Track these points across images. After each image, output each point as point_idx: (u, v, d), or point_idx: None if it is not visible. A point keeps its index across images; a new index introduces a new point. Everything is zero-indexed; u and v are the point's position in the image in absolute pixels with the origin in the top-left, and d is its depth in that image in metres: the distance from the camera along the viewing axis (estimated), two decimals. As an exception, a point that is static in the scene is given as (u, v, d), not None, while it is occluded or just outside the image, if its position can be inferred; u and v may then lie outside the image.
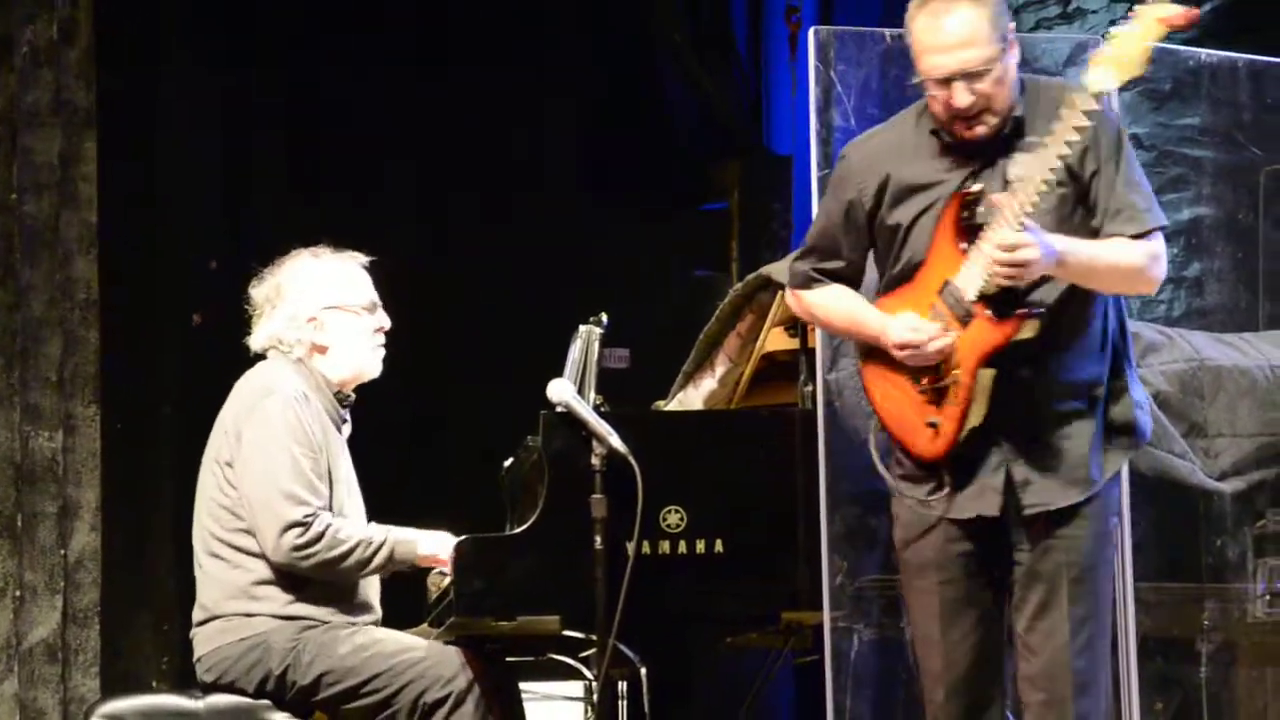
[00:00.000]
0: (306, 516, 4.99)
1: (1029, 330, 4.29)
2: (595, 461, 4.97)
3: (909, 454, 4.46)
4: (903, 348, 4.37)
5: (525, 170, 8.26)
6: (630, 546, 4.96)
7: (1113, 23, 7.90)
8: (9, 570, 7.07)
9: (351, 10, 7.97)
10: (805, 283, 4.63)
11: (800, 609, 5.17)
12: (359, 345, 5.24)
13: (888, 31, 5.13)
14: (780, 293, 5.39)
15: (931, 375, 4.37)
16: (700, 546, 5.11)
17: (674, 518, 5.11)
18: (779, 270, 5.41)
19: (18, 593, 7.08)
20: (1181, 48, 6.78)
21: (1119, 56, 4.09)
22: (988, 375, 4.31)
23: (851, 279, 4.58)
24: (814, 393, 5.21)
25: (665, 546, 5.09)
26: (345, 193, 7.91)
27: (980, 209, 4.28)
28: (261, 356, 5.27)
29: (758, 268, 5.61)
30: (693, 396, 5.76)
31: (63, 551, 7.12)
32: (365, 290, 5.29)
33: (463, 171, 8.12)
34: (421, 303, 7.70)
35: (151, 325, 7.49)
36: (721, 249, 8.52)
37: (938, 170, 4.41)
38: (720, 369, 5.70)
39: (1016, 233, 4.19)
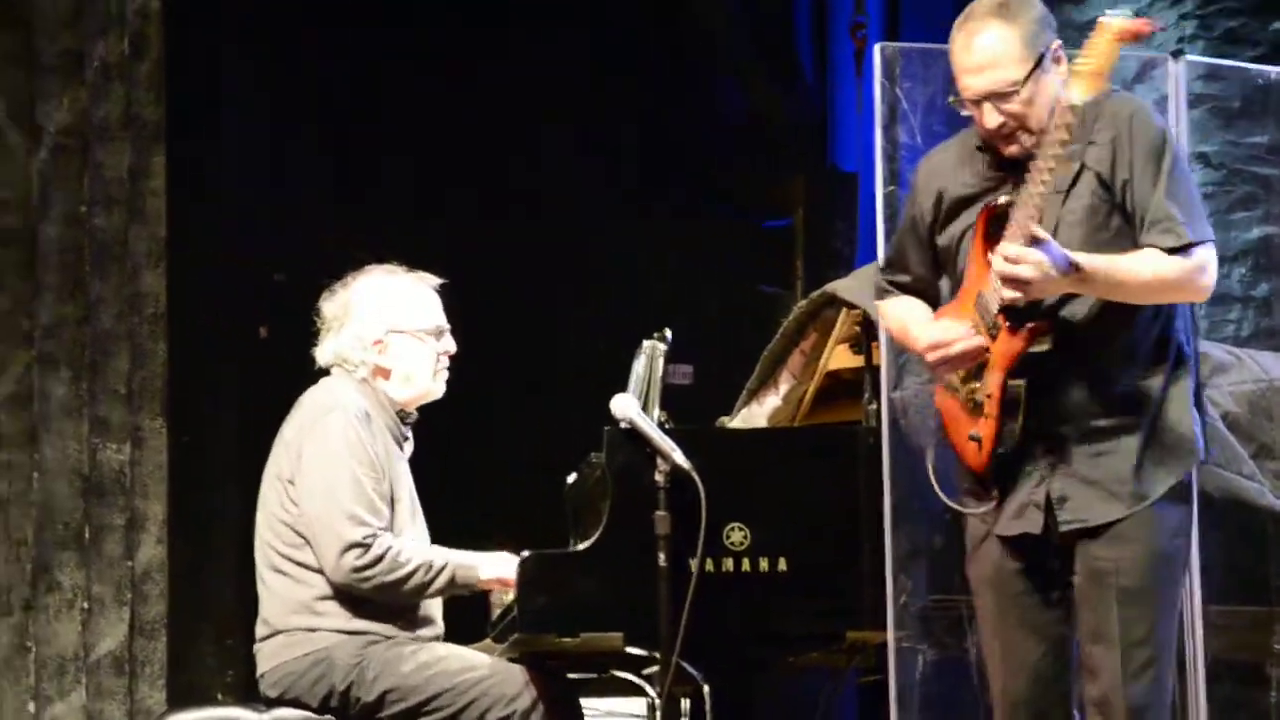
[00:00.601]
0: (367, 538, 4.99)
1: (1042, 343, 4.27)
2: (659, 478, 4.96)
3: (965, 469, 4.45)
4: (931, 348, 4.37)
5: (591, 186, 8.26)
6: (694, 564, 4.95)
7: (1180, 39, 7.93)
8: (77, 582, 7.11)
9: (411, 26, 7.99)
10: (879, 294, 4.65)
11: (864, 628, 5.15)
12: (422, 370, 5.23)
13: (954, 49, 5.10)
14: (845, 310, 5.38)
15: (970, 388, 4.35)
16: (764, 564, 5.10)
17: (737, 535, 5.10)
18: (843, 287, 5.40)
19: (85, 604, 7.12)
20: (1251, 65, 6.75)
21: (1087, 69, 4.08)
22: (1015, 388, 4.29)
23: (922, 293, 4.57)
24: (878, 410, 5.19)
25: (729, 564, 5.09)
26: (411, 206, 7.94)
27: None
28: (326, 371, 5.28)
29: (822, 285, 5.61)
30: (757, 413, 5.75)
31: (129, 563, 7.16)
32: (433, 314, 5.28)
33: (530, 187, 8.13)
34: (487, 318, 7.71)
35: (218, 338, 7.53)
36: (786, 266, 8.51)
37: (983, 184, 4.42)
38: (784, 386, 5.69)
39: (1018, 246, 4.16)
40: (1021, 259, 4.16)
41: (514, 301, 7.95)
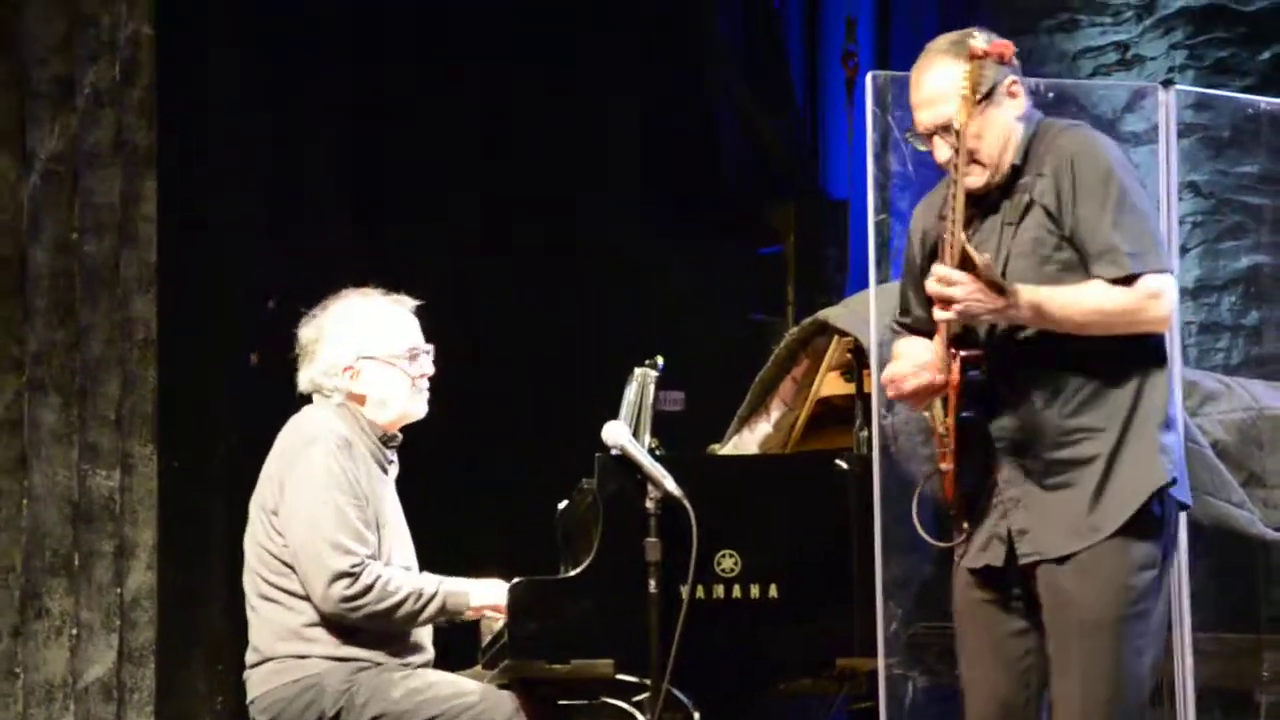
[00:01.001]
0: (354, 566, 4.98)
1: (978, 372, 4.27)
2: (650, 505, 4.96)
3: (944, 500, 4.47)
4: (888, 384, 4.43)
5: (581, 214, 8.28)
6: (684, 590, 4.95)
7: (1170, 69, 7.96)
8: (66, 608, 7.10)
9: (406, 48, 8.01)
10: (891, 336, 4.66)
11: (854, 655, 5.15)
12: (396, 394, 5.20)
13: (945, 77, 5.11)
14: (836, 337, 5.39)
15: (939, 422, 4.37)
16: (754, 591, 5.10)
17: (728, 562, 5.10)
18: (835, 315, 5.41)
19: (74, 631, 7.10)
20: (1241, 95, 6.77)
21: (960, 92, 4.13)
22: (967, 420, 4.30)
23: (925, 333, 4.56)
24: (869, 438, 5.19)
25: (719, 591, 5.08)
26: (401, 234, 7.95)
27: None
28: (309, 398, 5.28)
29: (814, 312, 5.62)
30: (748, 440, 5.75)
31: (119, 590, 7.15)
32: (406, 338, 5.23)
33: (518, 216, 8.14)
34: (477, 344, 7.73)
35: (209, 365, 7.53)
36: (777, 293, 8.53)
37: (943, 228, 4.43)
38: (775, 413, 5.69)
39: (948, 268, 4.19)
40: (951, 280, 4.17)
41: (506, 328, 7.95)
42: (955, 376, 4.28)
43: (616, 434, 5.06)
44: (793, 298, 8.47)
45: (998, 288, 4.20)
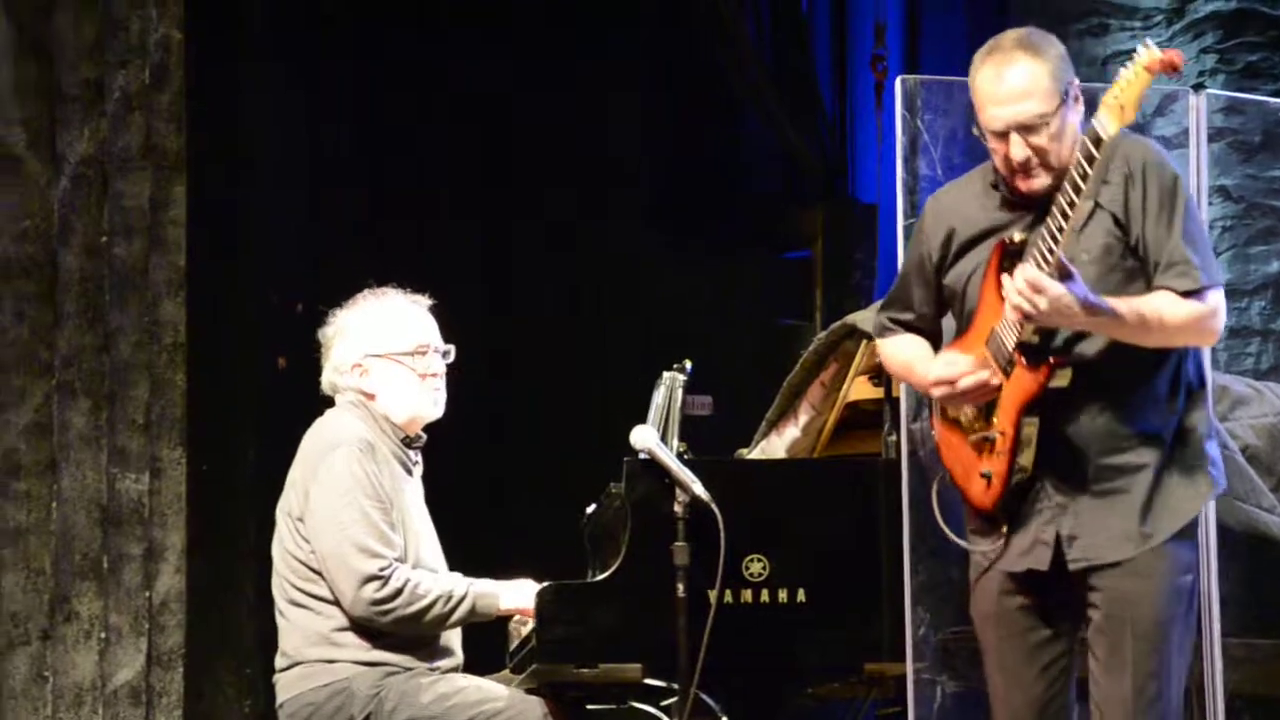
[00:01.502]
0: (383, 569, 4.98)
1: (1061, 379, 4.25)
2: (678, 509, 4.96)
3: (971, 505, 4.44)
4: (938, 384, 4.37)
5: (611, 217, 8.28)
6: (713, 595, 4.95)
7: (1201, 74, 7.94)
8: (94, 612, 7.11)
9: (429, 62, 8.02)
10: (880, 331, 4.64)
11: (883, 660, 5.15)
12: (406, 391, 5.20)
13: (975, 81, 5.11)
14: (865, 341, 5.38)
15: (981, 424, 4.35)
16: (783, 596, 5.10)
17: (756, 566, 5.10)
18: (863, 319, 5.40)
19: (103, 634, 7.11)
20: (1271, 100, 6.76)
21: (1118, 101, 4.08)
22: (1030, 425, 4.28)
23: (924, 331, 4.57)
24: (898, 442, 5.19)
25: (748, 595, 5.08)
26: (431, 238, 7.96)
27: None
28: (332, 400, 5.29)
29: (842, 316, 5.61)
30: (776, 445, 5.75)
31: (147, 594, 7.16)
32: (414, 334, 5.24)
33: (547, 219, 8.15)
34: (505, 348, 7.73)
35: (238, 369, 7.53)
36: (806, 297, 8.52)
37: (994, 222, 4.41)
38: (804, 417, 5.69)
39: (1042, 276, 4.15)
40: (1042, 288, 4.15)
41: (534, 331, 7.95)
42: (1038, 381, 4.24)
43: (644, 438, 5.06)
44: (821, 302, 8.46)
45: (1088, 305, 4.18)
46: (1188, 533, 4.35)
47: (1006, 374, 4.29)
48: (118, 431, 7.19)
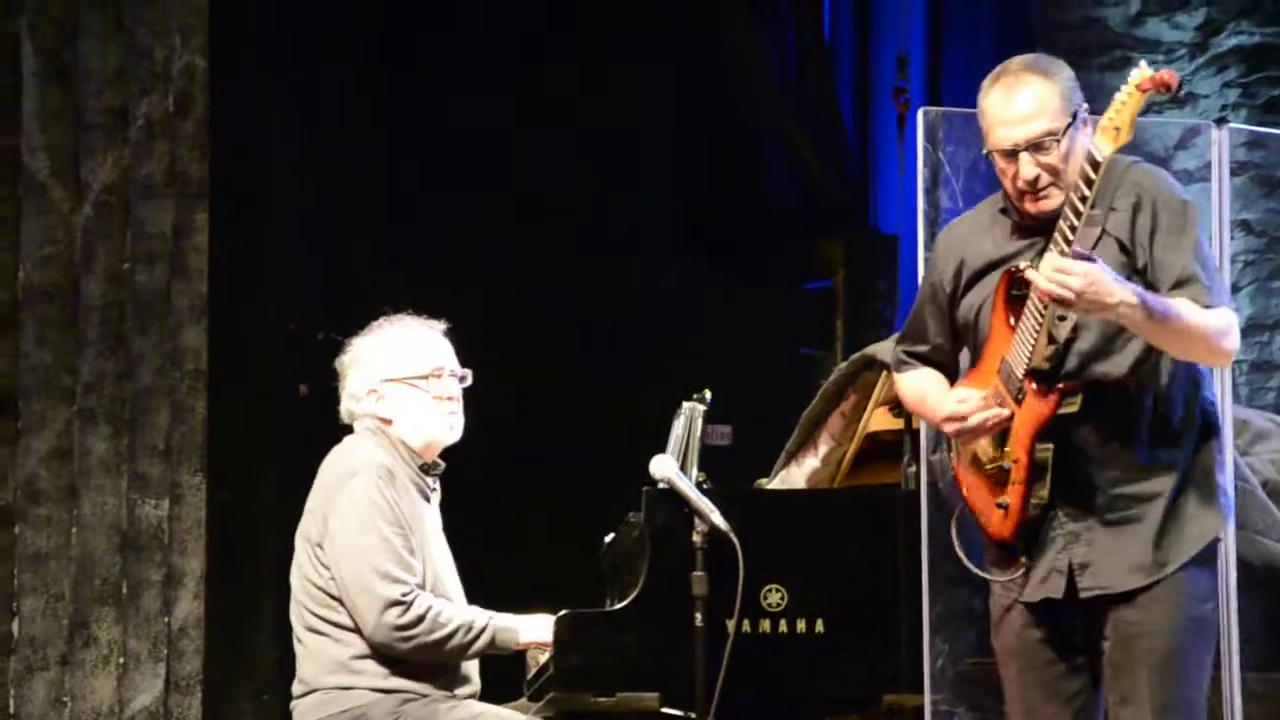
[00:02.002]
0: (405, 595, 4.98)
1: (1071, 405, 4.25)
2: (697, 538, 4.96)
3: (990, 537, 4.44)
4: (948, 420, 4.37)
5: (629, 245, 8.29)
6: (730, 624, 4.94)
7: (1223, 107, 7.94)
8: (113, 637, 7.12)
9: (448, 85, 8.04)
10: (897, 365, 4.65)
11: (901, 691, 5.13)
12: (421, 415, 5.19)
13: (997, 113, 5.11)
14: (885, 372, 5.38)
15: (997, 454, 4.35)
16: (801, 626, 5.09)
17: (775, 596, 5.09)
18: (883, 350, 5.40)
19: (121, 660, 7.12)
20: (1294, 133, 6.75)
21: (1112, 123, 4.09)
22: (1043, 452, 4.28)
23: (940, 364, 4.56)
24: (917, 473, 5.18)
25: (766, 625, 5.07)
26: (451, 266, 7.97)
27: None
28: (350, 428, 5.30)
29: (862, 347, 5.61)
30: (795, 475, 5.74)
31: (166, 619, 7.17)
32: (429, 358, 5.22)
33: (567, 248, 8.15)
34: (524, 377, 7.74)
35: (258, 396, 7.55)
36: (826, 328, 8.52)
37: (1003, 251, 4.41)
38: (823, 448, 5.68)
39: (1066, 259, 4.13)
40: (1072, 270, 4.12)
41: (556, 362, 7.96)
42: (1049, 407, 4.24)
43: (664, 467, 5.06)
44: (842, 333, 8.46)
45: (1118, 283, 4.15)
46: (1205, 560, 4.34)
47: (1018, 402, 4.29)
48: (138, 457, 7.20)
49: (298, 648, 5.15)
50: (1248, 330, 7.80)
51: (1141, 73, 4.09)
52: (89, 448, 7.19)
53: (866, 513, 5.24)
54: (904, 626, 5.09)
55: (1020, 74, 4.33)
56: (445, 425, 5.20)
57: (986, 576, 4.49)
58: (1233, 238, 6.98)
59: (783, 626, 5.08)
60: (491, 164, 8.12)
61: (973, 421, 4.33)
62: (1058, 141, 4.26)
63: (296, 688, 5.15)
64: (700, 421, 5.31)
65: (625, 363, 8.01)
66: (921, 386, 4.54)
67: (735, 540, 4.93)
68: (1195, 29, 8.16)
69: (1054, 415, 4.25)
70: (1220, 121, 5.44)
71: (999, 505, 4.36)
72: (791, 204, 8.74)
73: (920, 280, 4.76)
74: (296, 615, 5.15)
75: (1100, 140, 4.10)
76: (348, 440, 5.24)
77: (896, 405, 5.41)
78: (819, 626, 5.09)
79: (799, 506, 5.42)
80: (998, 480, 4.35)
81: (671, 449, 5.25)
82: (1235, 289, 7.62)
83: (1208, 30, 8.14)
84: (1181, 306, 4.22)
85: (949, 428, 4.39)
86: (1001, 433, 4.33)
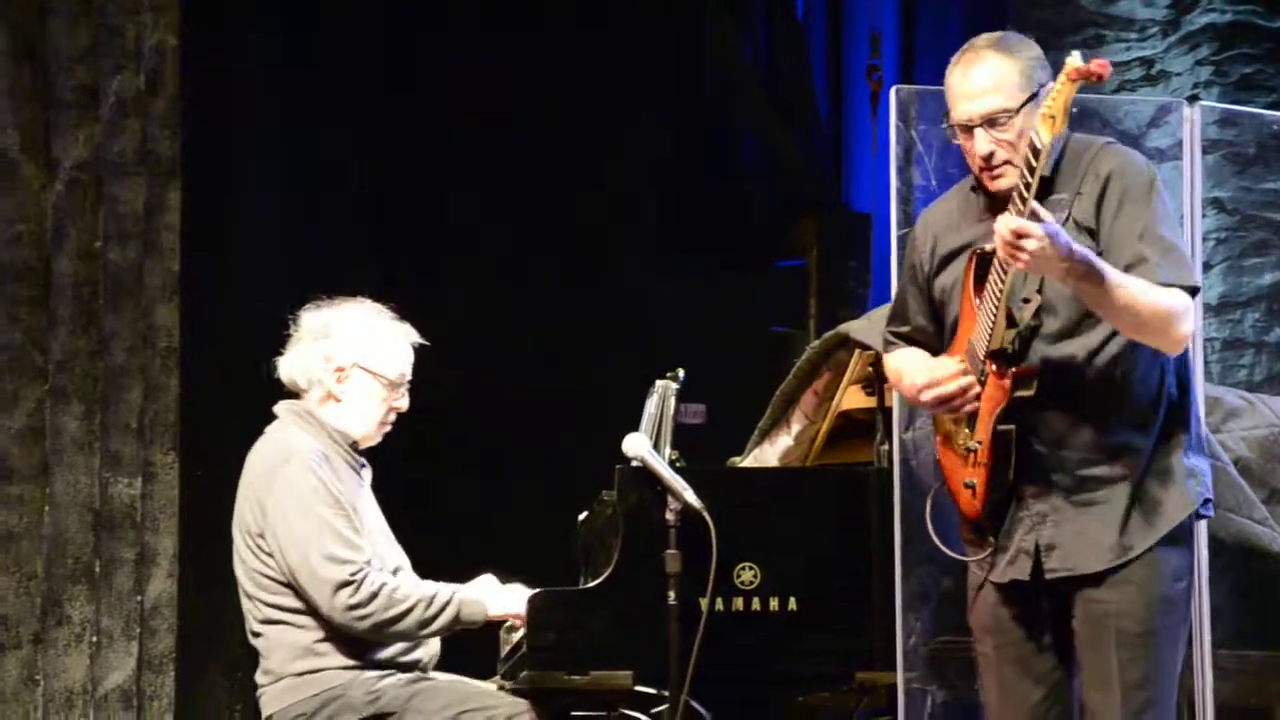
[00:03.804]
0: (354, 574, 4.97)
1: (1026, 388, 4.24)
2: (670, 517, 4.96)
3: (961, 515, 4.45)
4: (926, 388, 4.37)
5: (602, 226, 8.28)
6: (703, 602, 4.95)
7: (1196, 85, 7.95)
8: (86, 616, 7.11)
9: (423, 69, 8.02)
10: (885, 346, 4.65)
11: (874, 669, 5.15)
12: (370, 413, 5.21)
13: (969, 91, 5.11)
14: (858, 351, 5.38)
15: (966, 435, 4.36)
16: (774, 604, 5.10)
17: (748, 575, 5.09)
18: (857, 328, 5.40)
19: (94, 638, 7.11)
20: (1266, 112, 6.76)
21: (1049, 112, 4.10)
22: (1005, 434, 4.28)
23: (923, 344, 4.56)
24: (890, 451, 5.19)
25: (739, 603, 5.08)
26: (422, 244, 7.96)
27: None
28: (279, 387, 5.27)
29: (835, 325, 5.61)
30: (768, 453, 5.75)
31: (139, 598, 7.16)
32: (399, 365, 5.24)
33: (540, 227, 8.15)
34: (498, 356, 7.73)
35: (231, 374, 7.53)
36: (799, 306, 8.52)
37: (975, 231, 4.42)
38: (796, 426, 5.69)
39: (1023, 220, 4.11)
40: (1026, 231, 4.10)
41: (528, 339, 7.95)
42: (1004, 390, 4.25)
43: (637, 446, 5.06)
44: (815, 311, 8.46)
45: (1070, 249, 4.14)
46: (1177, 539, 4.33)
47: (982, 384, 4.30)
48: (111, 436, 7.19)
49: (257, 643, 5.12)
50: (1220, 308, 7.82)
51: (1072, 62, 4.10)
52: (61, 426, 7.17)
53: (839, 491, 5.24)
54: (877, 604, 5.10)
55: (982, 50, 4.35)
56: (381, 430, 5.23)
57: (956, 556, 4.50)
58: (1205, 216, 6.99)
59: (755, 604, 5.08)
60: (464, 146, 8.11)
61: (948, 388, 4.32)
62: (1012, 118, 4.27)
63: (262, 678, 5.12)
64: (673, 400, 5.31)
65: (598, 341, 8.00)
66: (902, 363, 4.54)
67: (708, 518, 4.93)
68: (1168, 7, 8.17)
69: (1009, 399, 4.25)
70: (1192, 99, 5.45)
71: (966, 485, 4.37)
72: (764, 182, 8.74)
73: (901, 257, 4.77)
74: (250, 610, 5.12)
75: (1039, 128, 4.10)
76: (271, 430, 5.23)
77: (869, 383, 5.42)
78: (792, 604, 5.10)
79: (772, 484, 5.43)
80: (966, 460, 4.36)
81: (645, 427, 5.25)
82: (1207, 267, 7.63)
83: (1180, 7, 8.15)
84: (1133, 281, 4.20)
85: (926, 395, 4.37)
86: (973, 415, 4.33)
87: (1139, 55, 8.15)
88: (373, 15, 8.05)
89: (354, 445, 5.21)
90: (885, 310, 5.16)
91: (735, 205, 8.63)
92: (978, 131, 4.32)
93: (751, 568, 5.09)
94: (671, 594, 4.91)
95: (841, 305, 8.17)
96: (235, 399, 7.50)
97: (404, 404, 5.26)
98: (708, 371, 5.59)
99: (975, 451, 4.33)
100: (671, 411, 5.29)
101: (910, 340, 4.58)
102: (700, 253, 8.36)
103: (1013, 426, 4.28)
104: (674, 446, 5.25)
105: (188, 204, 7.28)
